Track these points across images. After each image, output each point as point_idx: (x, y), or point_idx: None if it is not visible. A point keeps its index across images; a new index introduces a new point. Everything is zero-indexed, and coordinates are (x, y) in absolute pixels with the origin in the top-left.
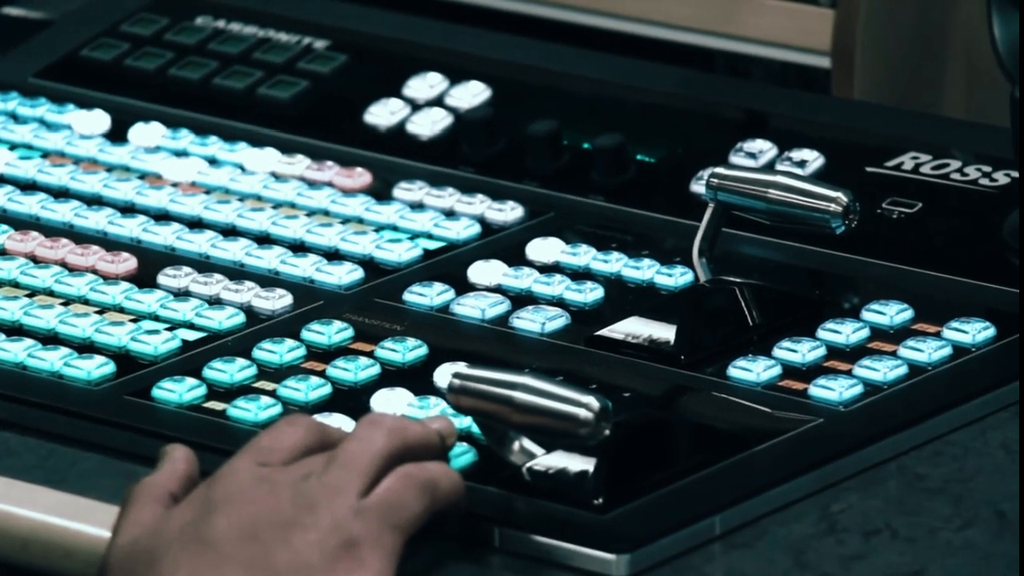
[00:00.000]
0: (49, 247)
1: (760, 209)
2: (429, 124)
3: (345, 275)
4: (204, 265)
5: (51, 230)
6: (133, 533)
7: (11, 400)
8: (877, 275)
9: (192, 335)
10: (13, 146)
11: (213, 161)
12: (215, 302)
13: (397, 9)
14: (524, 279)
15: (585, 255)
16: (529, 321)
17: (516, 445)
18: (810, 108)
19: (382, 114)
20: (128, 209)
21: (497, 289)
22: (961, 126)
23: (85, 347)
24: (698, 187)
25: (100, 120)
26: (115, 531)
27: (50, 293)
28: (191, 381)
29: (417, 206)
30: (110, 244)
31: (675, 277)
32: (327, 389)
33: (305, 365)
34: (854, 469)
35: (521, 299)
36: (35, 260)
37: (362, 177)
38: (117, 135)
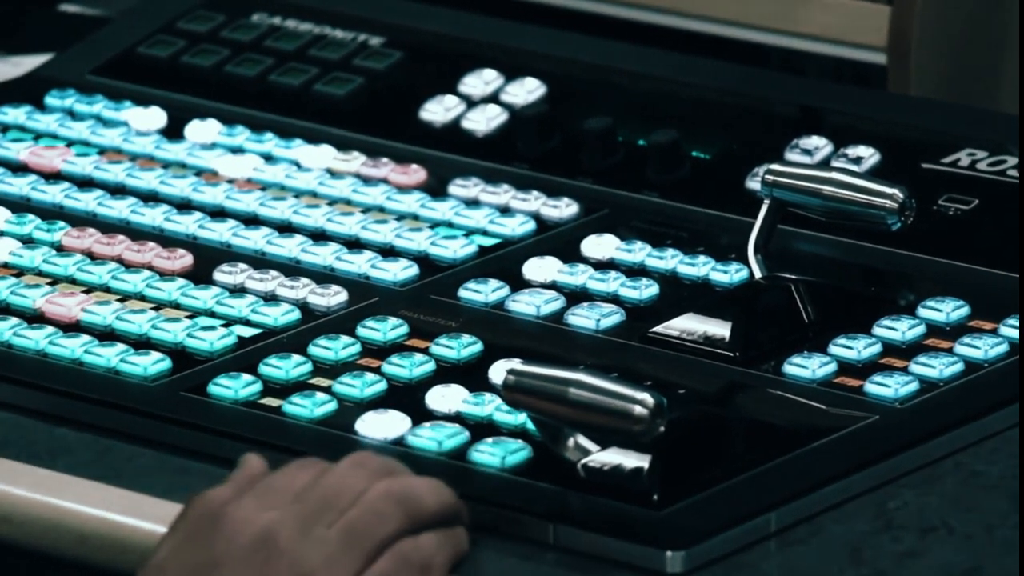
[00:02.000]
0: (106, 243)
1: (815, 206)
2: (484, 121)
3: (400, 271)
4: (260, 261)
5: (108, 227)
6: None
7: (68, 396)
8: (933, 272)
9: (248, 331)
10: (70, 143)
11: (269, 158)
12: (271, 298)
13: (452, 6)
14: (579, 276)
15: (640, 252)
16: (584, 318)
17: (571, 442)
18: (866, 104)
19: (437, 111)
20: (184, 205)
21: (552, 286)
22: (1018, 122)
23: (141, 343)
24: (753, 184)
25: (156, 117)
26: (158, 545)
27: (107, 289)
28: (247, 377)
29: (472, 203)
30: (166, 240)
31: (730, 274)
32: (382, 385)
33: (360, 361)
34: (910, 466)
35: (576, 296)
36: (92, 256)
37: (417, 174)
38: (173, 132)
